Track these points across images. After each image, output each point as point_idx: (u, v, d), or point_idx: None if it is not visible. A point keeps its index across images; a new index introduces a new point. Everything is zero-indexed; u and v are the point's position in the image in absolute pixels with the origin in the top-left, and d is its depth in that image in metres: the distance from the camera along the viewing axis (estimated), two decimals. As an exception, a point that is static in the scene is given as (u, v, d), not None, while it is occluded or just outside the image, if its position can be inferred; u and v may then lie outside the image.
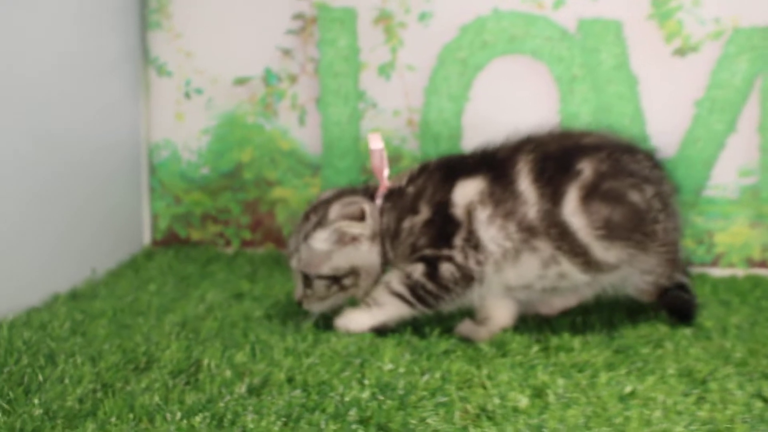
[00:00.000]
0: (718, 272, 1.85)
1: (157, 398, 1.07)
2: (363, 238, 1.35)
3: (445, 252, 1.31)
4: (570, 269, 1.31)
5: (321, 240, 1.35)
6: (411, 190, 1.36)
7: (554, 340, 1.33)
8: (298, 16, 1.86)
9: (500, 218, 1.30)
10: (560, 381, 1.12)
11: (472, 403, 1.06)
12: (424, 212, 1.33)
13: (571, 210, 1.29)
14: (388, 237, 1.36)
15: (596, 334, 1.38)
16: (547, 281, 1.32)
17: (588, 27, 1.81)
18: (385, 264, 1.38)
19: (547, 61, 1.83)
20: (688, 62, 1.81)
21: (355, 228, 1.35)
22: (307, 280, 1.37)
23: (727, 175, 1.83)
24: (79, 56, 1.67)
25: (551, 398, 1.07)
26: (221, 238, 1.96)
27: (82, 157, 1.69)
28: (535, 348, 1.29)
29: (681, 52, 1.81)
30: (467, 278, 1.31)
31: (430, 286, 1.32)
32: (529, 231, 1.29)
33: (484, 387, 1.11)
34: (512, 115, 1.82)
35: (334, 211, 1.36)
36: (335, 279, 1.36)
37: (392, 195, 1.38)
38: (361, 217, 1.35)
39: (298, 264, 1.37)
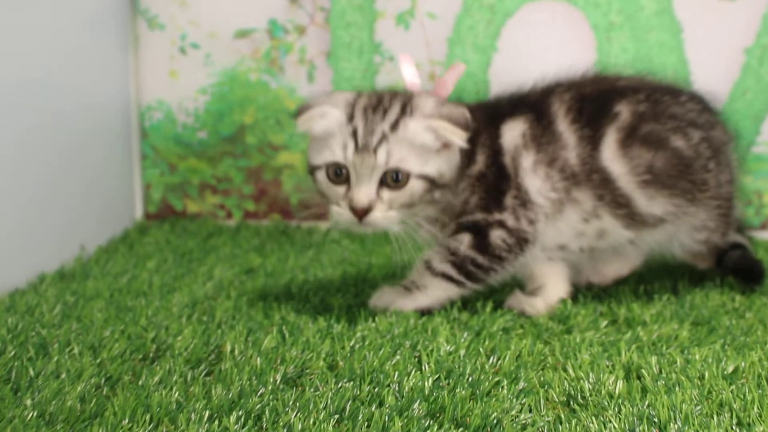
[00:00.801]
0: (767, 236, 1.70)
1: (176, 394, 0.88)
2: (456, 152, 1.11)
3: (497, 216, 1.14)
4: (612, 224, 1.16)
5: (421, 132, 1.08)
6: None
7: (621, 312, 1.17)
8: (305, -40, 1.67)
9: (544, 165, 1.14)
10: (652, 359, 0.95)
11: (556, 389, 0.89)
12: (480, 162, 1.15)
13: (611, 155, 1.15)
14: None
15: (666, 304, 1.21)
16: (584, 240, 1.17)
17: (627, -32, 1.64)
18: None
19: (583, 6, 1.65)
20: (737, 6, 1.64)
21: (456, 135, 1.08)
22: (392, 182, 1.07)
23: (779, 130, 1.68)
24: (58, 9, 1.46)
25: (648, 381, 0.91)
26: (222, 209, 1.76)
27: (65, 120, 1.49)
28: (603, 322, 1.13)
29: (729, -6, 1.65)
30: (521, 242, 1.14)
31: (480, 259, 1.14)
32: (572, 178, 1.14)
33: (565, 369, 0.94)
34: (544, 66, 1.64)
35: (429, 105, 1.09)
36: (434, 185, 1.09)
37: None
38: (465, 126, 1.08)
39: (388, 158, 1.07)
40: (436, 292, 1.16)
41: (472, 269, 1.15)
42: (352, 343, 1.02)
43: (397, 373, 0.93)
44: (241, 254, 1.53)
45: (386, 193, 1.08)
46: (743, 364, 0.96)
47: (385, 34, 1.67)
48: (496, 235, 1.14)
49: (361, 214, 1.07)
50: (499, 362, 0.95)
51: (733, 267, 1.31)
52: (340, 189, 1.09)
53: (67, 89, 1.50)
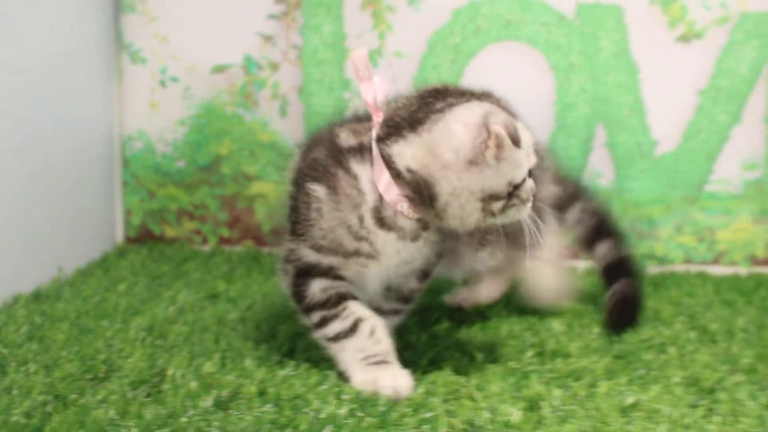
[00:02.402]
0: (719, 270, 1.76)
1: (112, 412, 0.97)
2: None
3: None
4: None
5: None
6: None
7: (550, 344, 1.24)
8: (280, 1, 1.76)
9: None
10: (556, 392, 1.03)
11: (459, 417, 0.96)
12: None
13: None
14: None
15: (595, 337, 1.29)
16: None
17: (587, 12, 1.72)
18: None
19: (544, 48, 1.73)
20: (692, 49, 1.71)
21: (507, 150, 1.00)
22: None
23: (730, 169, 1.73)
24: (46, 42, 1.56)
25: (546, 411, 0.98)
26: (198, 235, 1.85)
27: (50, 148, 1.59)
28: (530, 353, 1.20)
29: (685, 38, 1.72)
30: None
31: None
32: None
33: (473, 399, 1.01)
34: (505, 105, 1.74)
35: (482, 111, 1.01)
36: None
37: None
38: (516, 142, 1.01)
39: None
40: None
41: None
42: (285, 371, 1.10)
43: (318, 401, 1.00)
44: (209, 279, 1.61)
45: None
46: (643, 397, 1.03)
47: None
48: None
49: None
50: (413, 394, 1.02)
51: None
52: None
53: (53, 119, 1.60)
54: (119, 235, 1.87)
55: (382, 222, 1.05)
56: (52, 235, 1.60)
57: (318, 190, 1.05)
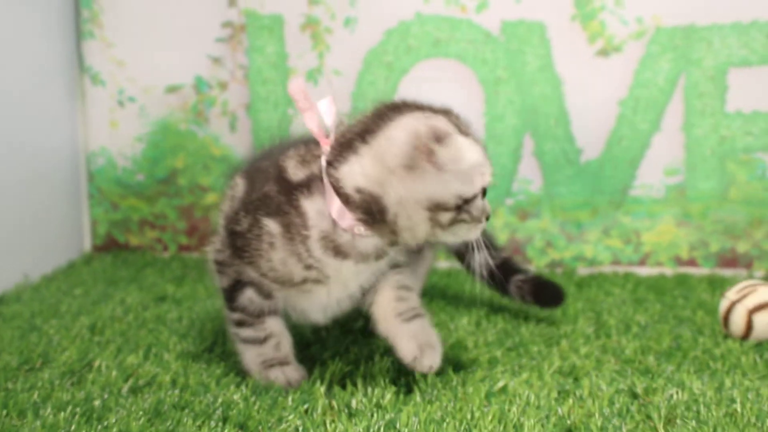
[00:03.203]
0: (646, 271, 1.86)
1: (35, 396, 1.10)
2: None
3: None
4: None
5: None
6: None
7: (452, 339, 1.35)
8: (227, 24, 1.90)
9: None
10: (431, 379, 1.14)
11: (339, 399, 1.08)
12: None
13: None
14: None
15: (497, 332, 1.40)
16: None
17: (511, 29, 1.84)
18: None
19: (472, 63, 1.85)
20: (612, 62, 1.83)
21: (441, 155, 1.04)
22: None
23: (652, 175, 1.85)
24: (15, 66, 1.71)
25: (417, 395, 1.10)
26: (159, 243, 1.99)
27: (20, 163, 1.73)
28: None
29: (604, 52, 1.83)
30: None
31: None
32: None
33: (355, 385, 1.14)
34: (439, 117, 1.86)
35: (424, 119, 1.06)
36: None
37: None
38: (440, 141, 1.04)
39: None
40: None
41: None
42: (199, 364, 1.23)
43: (218, 388, 1.13)
44: (161, 283, 1.75)
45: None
46: (511, 383, 1.14)
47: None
48: None
49: None
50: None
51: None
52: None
53: (22, 138, 1.74)
54: (87, 244, 2.01)
55: (337, 250, 1.07)
56: (20, 244, 1.74)
57: (271, 225, 1.08)
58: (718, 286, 1.69)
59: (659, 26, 1.80)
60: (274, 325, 1.18)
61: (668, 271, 1.86)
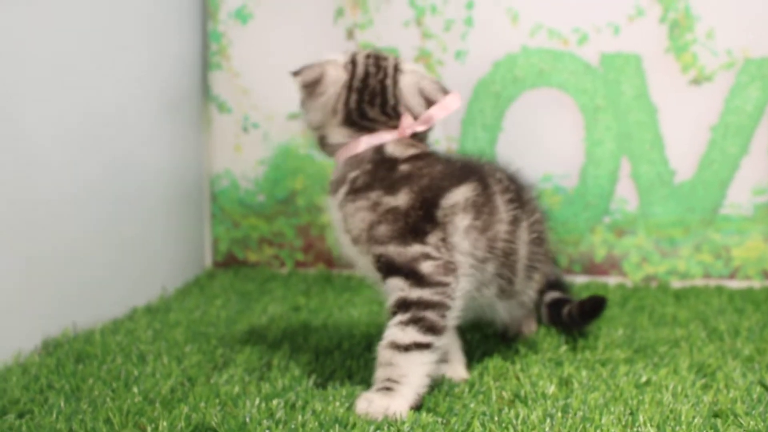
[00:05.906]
0: (735, 284, 1.99)
1: (237, 389, 1.25)
2: None
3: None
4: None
5: None
6: None
7: (581, 342, 1.49)
8: (344, 57, 2.06)
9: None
10: (584, 373, 1.28)
11: (507, 390, 1.22)
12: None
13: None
14: None
15: (618, 336, 1.54)
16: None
17: (610, 61, 1.99)
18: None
19: (573, 92, 2.00)
20: (703, 91, 1.97)
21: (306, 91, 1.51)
22: None
23: (741, 195, 1.98)
24: (150, 96, 1.88)
25: (576, 386, 1.24)
26: (276, 259, 2.14)
27: (152, 186, 1.89)
28: (564, 348, 1.45)
29: (696, 81, 1.97)
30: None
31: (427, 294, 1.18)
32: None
33: (518, 378, 1.28)
34: (542, 142, 2.01)
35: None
36: None
37: None
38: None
39: None
40: (416, 371, 1.15)
41: (429, 315, 1.17)
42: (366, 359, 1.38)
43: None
44: (290, 296, 1.90)
45: None
46: (654, 377, 1.28)
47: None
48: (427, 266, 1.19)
49: None
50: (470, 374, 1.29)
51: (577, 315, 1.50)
52: None
53: (154, 163, 1.90)
54: (208, 260, 2.17)
55: None
56: (155, 259, 1.90)
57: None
58: (810, 297, 1.82)
59: (748, 57, 1.95)
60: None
61: (756, 284, 1.99)
